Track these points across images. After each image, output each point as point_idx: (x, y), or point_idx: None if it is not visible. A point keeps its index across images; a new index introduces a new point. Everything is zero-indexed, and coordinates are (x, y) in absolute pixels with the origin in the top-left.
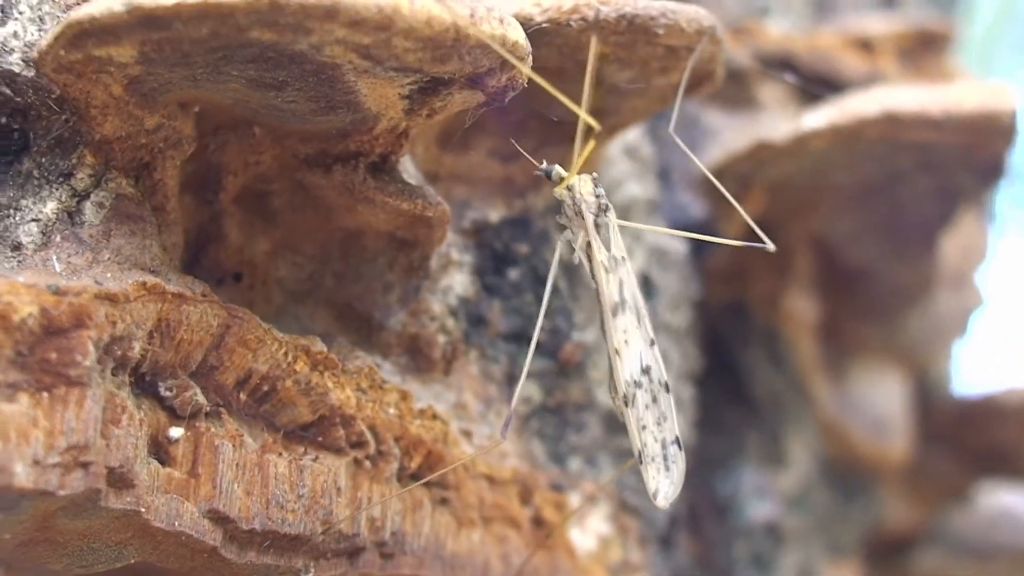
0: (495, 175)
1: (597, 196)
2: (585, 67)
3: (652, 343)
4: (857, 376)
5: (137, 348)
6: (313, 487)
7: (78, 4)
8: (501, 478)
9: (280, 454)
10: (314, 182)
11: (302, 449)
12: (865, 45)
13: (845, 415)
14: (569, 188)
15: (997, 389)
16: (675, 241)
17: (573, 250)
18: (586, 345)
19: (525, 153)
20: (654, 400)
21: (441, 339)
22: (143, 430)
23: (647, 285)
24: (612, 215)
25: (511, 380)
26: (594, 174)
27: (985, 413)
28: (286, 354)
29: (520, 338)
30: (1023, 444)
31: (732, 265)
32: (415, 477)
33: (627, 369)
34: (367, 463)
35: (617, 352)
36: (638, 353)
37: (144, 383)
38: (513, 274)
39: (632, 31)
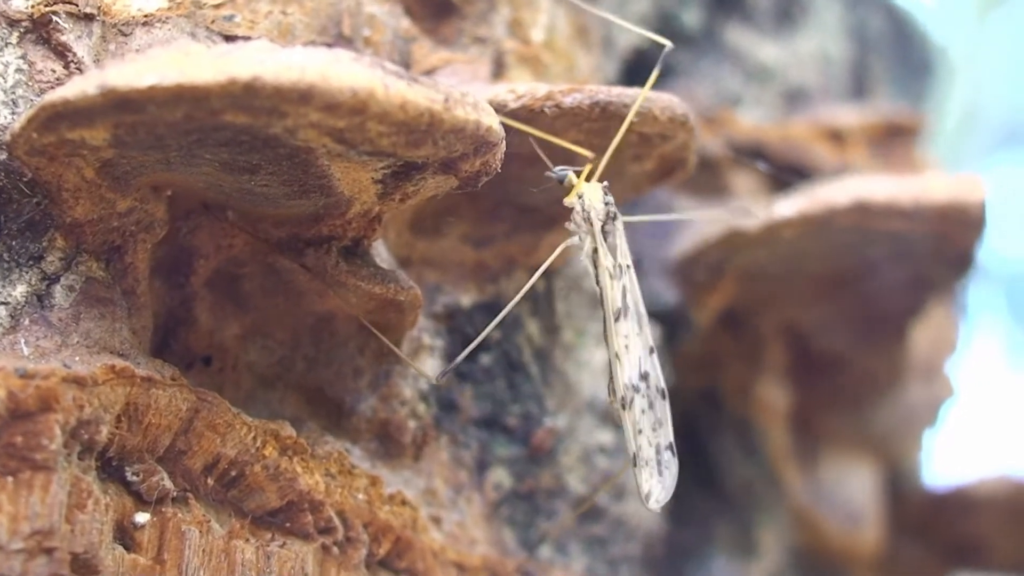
0: (467, 260)
1: (606, 204)
2: (559, 154)
3: (652, 351)
4: (829, 466)
5: (104, 432)
6: (280, 573)
7: (52, 87)
8: (471, 565)
9: (247, 540)
10: (286, 266)
11: (269, 535)
12: (835, 135)
13: (817, 505)
14: (579, 196)
15: (968, 480)
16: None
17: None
18: (558, 431)
19: (542, 155)
20: (650, 406)
21: (411, 424)
22: (109, 515)
23: None
24: (619, 224)
25: (482, 466)
26: (604, 183)
27: (956, 504)
28: (255, 439)
29: (492, 424)
30: (994, 536)
31: (704, 354)
32: (383, 564)
33: (626, 373)
34: (335, 549)
35: (617, 356)
36: (638, 359)
37: (111, 467)
38: (485, 359)
39: (605, 118)
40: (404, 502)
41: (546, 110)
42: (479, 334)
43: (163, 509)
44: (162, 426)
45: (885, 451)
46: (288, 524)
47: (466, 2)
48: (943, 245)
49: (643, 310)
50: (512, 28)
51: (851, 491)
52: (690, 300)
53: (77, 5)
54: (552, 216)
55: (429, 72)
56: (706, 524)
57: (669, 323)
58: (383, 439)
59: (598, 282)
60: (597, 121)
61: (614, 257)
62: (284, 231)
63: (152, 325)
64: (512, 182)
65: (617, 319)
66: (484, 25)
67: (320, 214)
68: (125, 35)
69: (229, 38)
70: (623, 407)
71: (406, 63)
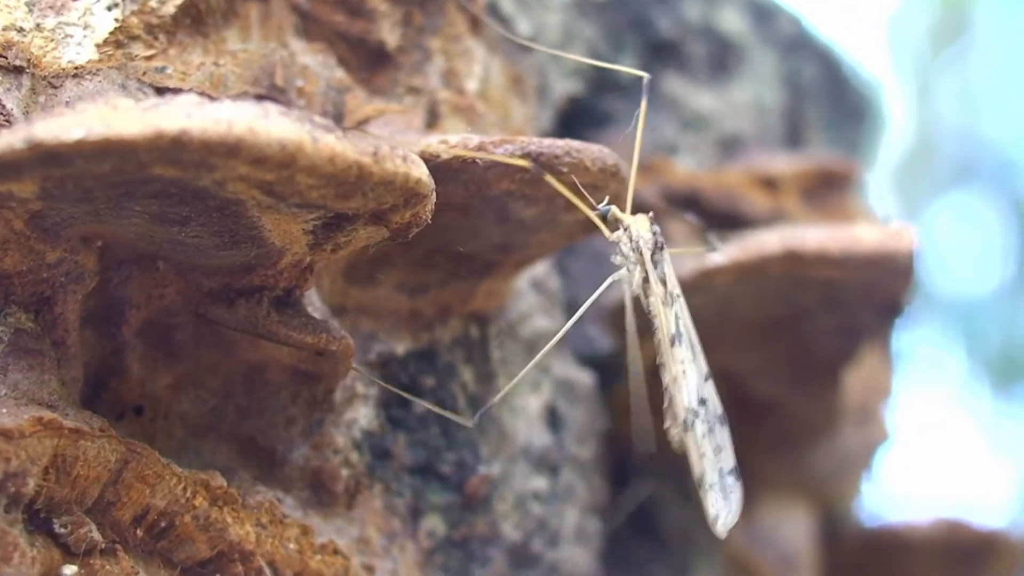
0: (402, 308)
1: (654, 234)
2: (491, 203)
3: (707, 378)
4: (765, 510)
5: (32, 484)
6: None
7: None
8: None
9: None
10: (218, 315)
11: None
12: (770, 183)
13: (753, 549)
14: (625, 229)
15: (903, 523)
16: (582, 374)
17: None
18: (492, 478)
19: (581, 194)
20: (711, 431)
21: (344, 473)
22: (36, 568)
23: (554, 418)
24: (667, 253)
25: (415, 514)
26: (650, 214)
27: (892, 547)
28: (185, 489)
29: (426, 471)
30: None
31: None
32: None
33: (685, 397)
34: None
35: (675, 380)
36: (695, 384)
37: (38, 519)
38: (419, 407)
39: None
40: (336, 551)
41: (478, 161)
42: (413, 382)
43: (91, 561)
44: (91, 477)
45: (821, 495)
46: (218, 575)
47: (401, 52)
48: (873, 293)
49: (696, 338)
50: (446, 78)
51: (787, 535)
52: (625, 347)
53: (6, 58)
54: (488, 263)
55: (363, 122)
56: (643, 568)
57: (604, 370)
58: (315, 488)
59: (650, 311)
60: (529, 171)
61: (664, 286)
62: (216, 281)
63: (82, 376)
64: (446, 231)
65: (672, 345)
66: (419, 75)
67: (251, 264)
68: (55, 87)
69: (160, 90)
70: (684, 429)
71: (339, 113)
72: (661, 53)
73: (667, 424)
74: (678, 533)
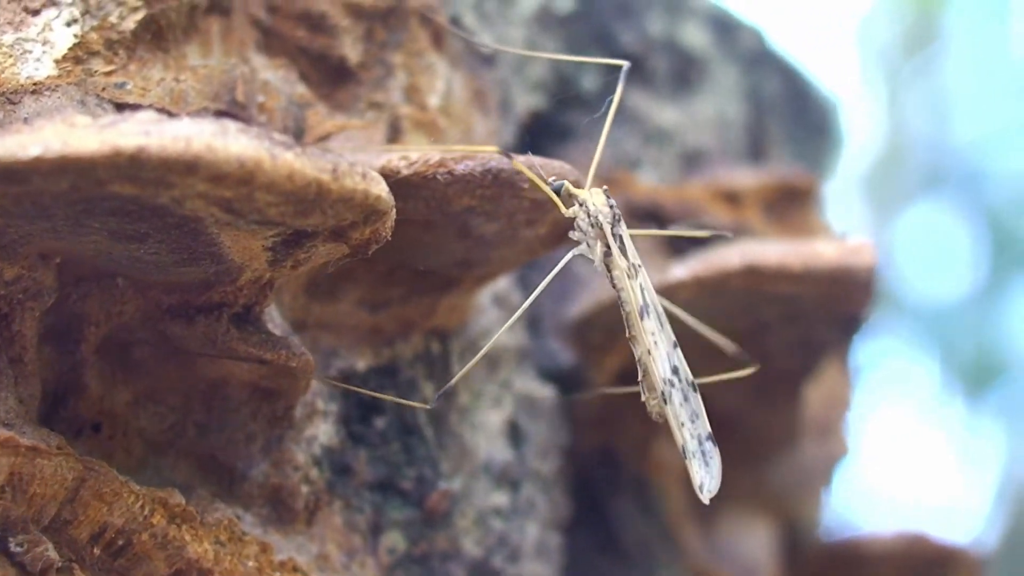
0: (363, 324)
1: (611, 207)
2: (452, 220)
3: (675, 345)
4: (726, 524)
5: None
6: None
7: None
8: None
9: None
10: (177, 332)
11: None
12: (731, 197)
13: (715, 563)
14: (581, 204)
15: (864, 535)
16: (544, 389)
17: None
18: (453, 494)
19: (539, 174)
20: (685, 399)
21: (304, 489)
22: None
23: (515, 434)
24: (623, 225)
25: (376, 530)
26: (604, 187)
27: (852, 560)
28: (143, 507)
29: (386, 487)
30: None
31: (602, 412)
32: None
33: (659, 368)
34: None
35: (649, 352)
36: (666, 354)
37: None
38: (379, 423)
39: (498, 185)
40: (296, 568)
41: (439, 177)
42: (374, 398)
43: None
44: (47, 496)
45: (782, 508)
46: None
47: (362, 68)
48: (834, 307)
49: (660, 308)
50: (408, 94)
51: (748, 548)
52: (587, 361)
53: None
54: (449, 279)
55: (324, 138)
56: None
57: (566, 384)
58: (275, 505)
59: (615, 285)
60: (490, 188)
61: (626, 258)
62: (175, 298)
63: (40, 393)
64: (407, 247)
65: (641, 317)
66: (380, 91)
67: (211, 281)
68: (13, 103)
69: (120, 106)
70: (664, 402)
71: (301, 129)
72: None
73: (644, 397)
74: (640, 547)
